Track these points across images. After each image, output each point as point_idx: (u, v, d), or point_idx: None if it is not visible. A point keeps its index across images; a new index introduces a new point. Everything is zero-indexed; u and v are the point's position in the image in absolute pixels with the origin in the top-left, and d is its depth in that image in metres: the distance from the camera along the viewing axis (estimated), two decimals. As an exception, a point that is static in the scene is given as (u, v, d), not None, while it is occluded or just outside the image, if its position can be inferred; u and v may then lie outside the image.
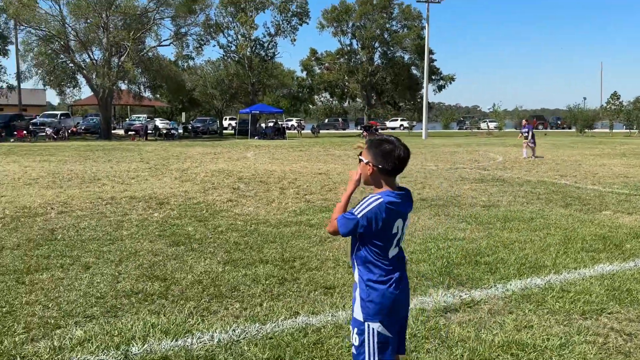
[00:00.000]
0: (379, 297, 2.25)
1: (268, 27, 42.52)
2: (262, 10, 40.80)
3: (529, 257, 5.51)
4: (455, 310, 4.07)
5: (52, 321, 3.77)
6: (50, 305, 4.07)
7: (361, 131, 43.65)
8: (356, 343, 2.31)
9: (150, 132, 37.76)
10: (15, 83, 40.46)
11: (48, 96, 69.16)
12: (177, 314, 3.95)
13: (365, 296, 2.28)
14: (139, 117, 46.64)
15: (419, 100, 51.17)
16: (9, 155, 18.79)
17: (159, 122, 45.58)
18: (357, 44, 50.67)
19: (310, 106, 63.40)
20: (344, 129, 65.75)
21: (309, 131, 50.08)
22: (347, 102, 64.75)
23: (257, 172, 13.77)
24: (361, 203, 2.24)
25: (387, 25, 50.04)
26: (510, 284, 4.63)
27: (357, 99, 59.88)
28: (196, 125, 45.73)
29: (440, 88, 54.53)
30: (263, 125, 42.73)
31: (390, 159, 2.25)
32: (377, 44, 50.63)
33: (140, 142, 31.53)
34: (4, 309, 3.98)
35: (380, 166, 2.26)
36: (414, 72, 53.03)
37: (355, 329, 2.32)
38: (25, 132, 35.25)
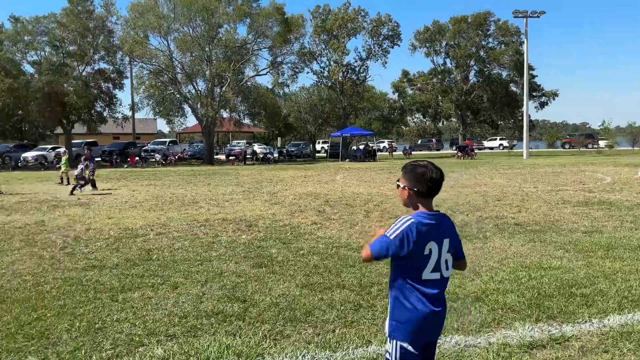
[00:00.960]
0: (404, 316, 2.35)
1: (359, 52, 43.17)
2: (354, 35, 41.56)
3: (633, 289, 4.94)
4: (542, 346, 3.74)
5: (137, 339, 4.00)
6: (137, 323, 4.33)
7: (456, 151, 42.40)
8: (387, 355, 2.44)
9: (249, 156, 39.56)
10: (129, 113, 44.55)
11: (159, 125, 75.17)
12: (252, 336, 4.02)
13: (393, 313, 2.40)
14: (238, 143, 49.11)
15: (519, 118, 48.77)
16: (121, 180, 20.60)
17: (256, 147, 47.72)
18: (451, 63, 49.68)
19: (403, 127, 62.87)
20: (438, 150, 64.27)
21: (401, 152, 49.58)
22: (441, 122, 63.36)
23: (343, 194, 13.83)
24: (393, 225, 2.33)
25: (483, 43, 48.60)
26: (608, 319, 4.17)
27: (452, 119, 58.40)
28: (290, 149, 47.18)
29: (542, 105, 51.66)
30: (354, 147, 43.01)
31: (423, 182, 2.35)
32: (472, 62, 49.29)
33: (239, 166, 33.12)
34: (97, 325, 4.30)
35: (415, 189, 2.37)
36: (513, 89, 50.81)
37: (386, 342, 2.47)
38: (137, 158, 38.67)
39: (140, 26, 34.61)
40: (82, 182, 15.16)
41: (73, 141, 38.75)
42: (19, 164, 34.50)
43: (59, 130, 44.91)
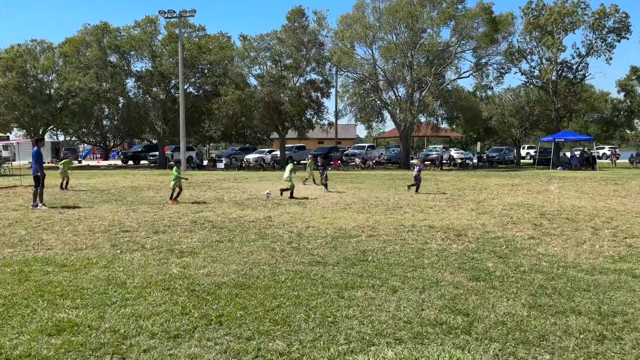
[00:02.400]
0: None
1: (577, 48, 38.92)
2: (572, 31, 37.47)
3: None
4: None
5: (367, 338, 4.20)
6: (365, 322, 4.55)
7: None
8: None
9: (445, 162, 38.75)
10: (334, 120, 47.48)
11: (357, 130, 78.67)
12: (482, 353, 3.89)
13: None
14: (435, 148, 48.54)
15: None
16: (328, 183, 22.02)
17: (453, 152, 46.55)
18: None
19: (628, 132, 54.48)
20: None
21: (626, 161, 43.02)
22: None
23: (562, 207, 12.54)
24: None
25: None
26: None
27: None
28: (491, 155, 44.81)
29: None
30: (568, 154, 38.77)
31: None
32: None
33: (435, 171, 32.68)
34: (329, 319, 4.64)
35: None
36: None
37: None
38: (339, 162, 41.09)
39: (348, 37, 36.57)
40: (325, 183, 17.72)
41: (285, 145, 42.76)
42: (243, 165, 39.56)
43: (273, 135, 50.32)
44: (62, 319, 4.67)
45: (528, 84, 41.60)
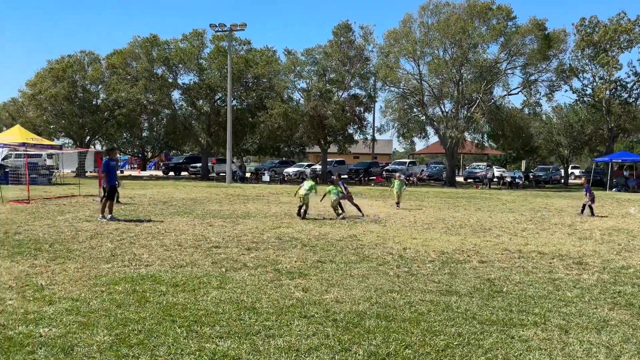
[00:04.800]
0: None
1: (634, 66, 37.42)
2: (628, 49, 36.23)
3: None
4: None
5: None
6: (568, 371, 3.94)
7: None
8: None
9: (495, 180, 37.76)
10: (375, 135, 46.97)
11: (394, 145, 77.92)
12: None
13: None
14: (478, 165, 47.42)
15: None
16: (379, 199, 21.42)
17: (495, 170, 45.42)
18: None
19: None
20: None
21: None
22: None
23: (663, 234, 11.65)
24: None
25: None
26: None
27: None
28: (538, 174, 43.44)
29: None
30: (625, 174, 37.18)
31: None
32: None
33: (483, 189, 31.72)
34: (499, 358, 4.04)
35: None
36: None
37: None
38: (381, 177, 40.47)
39: (396, 52, 36.16)
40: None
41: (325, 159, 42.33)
42: (285, 178, 39.30)
43: (312, 149, 50.03)
44: (215, 352, 4.19)
45: (579, 102, 40.35)
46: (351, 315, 5.21)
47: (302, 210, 13.46)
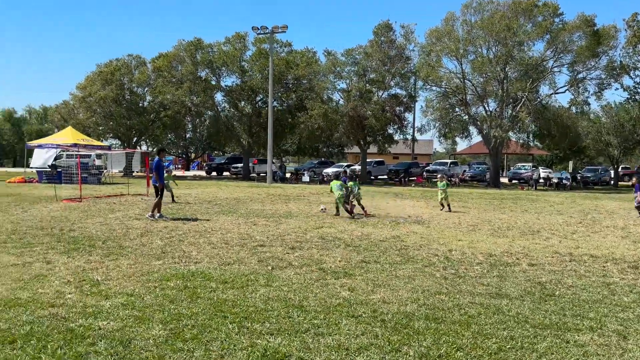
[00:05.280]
0: None
1: (689, 62, 35.63)
2: (684, 43, 34.49)
3: None
4: None
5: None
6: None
7: None
8: None
9: (541, 181, 36.67)
10: (415, 135, 46.46)
11: (434, 145, 76.80)
12: None
13: None
14: (523, 166, 46.18)
15: None
16: (421, 199, 21.16)
17: (541, 171, 44.13)
18: None
19: None
20: None
21: None
22: None
23: None
24: None
25: None
26: None
27: None
28: (586, 175, 41.91)
29: None
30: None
31: None
32: None
33: (529, 191, 30.85)
34: (585, 371, 3.92)
35: None
36: None
37: None
38: (422, 178, 40.01)
39: (438, 51, 35.68)
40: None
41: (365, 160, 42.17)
42: (324, 179, 39.38)
43: (352, 149, 49.97)
44: (267, 348, 4.27)
45: (631, 100, 38.68)
46: (399, 316, 5.19)
47: (339, 210, 13.92)
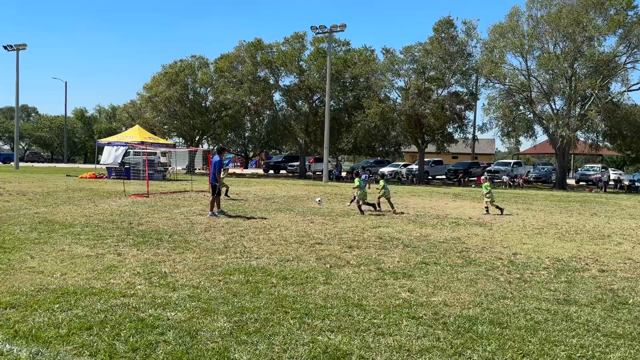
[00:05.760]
0: None
1: None
2: None
3: None
4: None
5: None
6: None
7: None
8: None
9: (611, 184, 34.72)
10: (476, 134, 45.22)
11: (496, 145, 74.33)
12: None
13: None
14: (592, 167, 43.88)
15: None
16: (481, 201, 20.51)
17: (612, 173, 41.75)
18: None
19: None
20: None
21: None
22: None
23: None
24: None
25: None
26: None
27: None
28: (662, 178, 39.23)
29: None
30: None
31: None
32: None
33: (597, 194, 29.24)
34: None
35: None
36: None
37: None
38: (482, 178, 38.82)
39: (501, 47, 34.54)
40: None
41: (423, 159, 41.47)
42: (380, 178, 39.10)
43: (409, 148, 49.29)
44: (328, 345, 4.30)
45: None
46: (462, 319, 5.08)
47: (359, 204, 14.50)
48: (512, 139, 42.10)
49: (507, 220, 13.44)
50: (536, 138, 41.17)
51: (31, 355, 3.94)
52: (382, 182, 15.36)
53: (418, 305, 5.49)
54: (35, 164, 57.13)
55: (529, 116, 37.98)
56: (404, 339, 4.49)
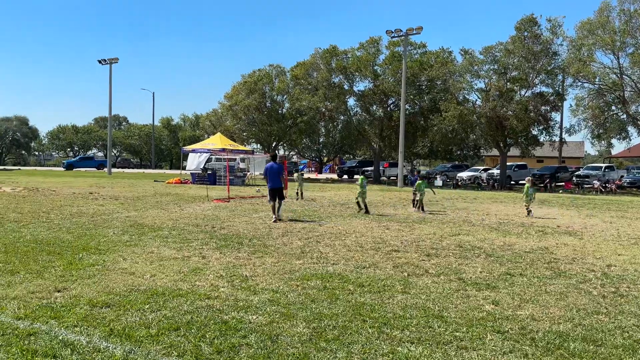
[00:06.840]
0: None
1: None
2: None
3: None
4: None
5: None
6: None
7: None
8: None
9: None
10: (564, 136, 42.68)
11: (585, 148, 69.81)
12: None
13: None
14: (698, 171, 39.87)
15: None
16: (570, 208, 19.27)
17: None
18: None
19: None
20: None
21: None
22: None
23: None
24: None
25: None
26: None
27: None
28: None
29: None
30: None
31: None
32: None
33: None
34: None
35: None
36: None
37: None
38: (571, 184, 36.53)
39: (590, 44, 32.43)
40: None
41: (507, 164, 39.78)
42: (459, 183, 37.98)
43: (490, 152, 47.45)
44: (408, 356, 4.21)
45: None
46: (551, 335, 4.79)
47: (360, 205, 15.39)
48: (603, 142, 39.30)
49: (600, 229, 12.53)
50: (630, 140, 37.87)
51: (125, 353, 4.19)
52: (419, 182, 16.38)
53: (503, 319, 5.25)
54: (126, 170, 61.27)
55: (622, 117, 35.42)
56: (488, 354, 4.30)
